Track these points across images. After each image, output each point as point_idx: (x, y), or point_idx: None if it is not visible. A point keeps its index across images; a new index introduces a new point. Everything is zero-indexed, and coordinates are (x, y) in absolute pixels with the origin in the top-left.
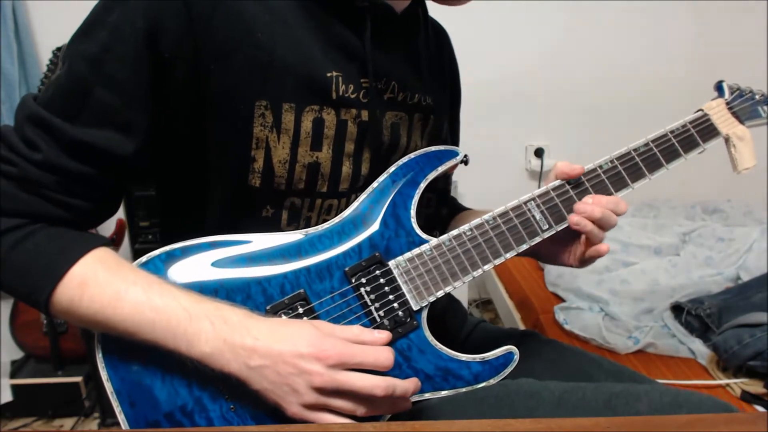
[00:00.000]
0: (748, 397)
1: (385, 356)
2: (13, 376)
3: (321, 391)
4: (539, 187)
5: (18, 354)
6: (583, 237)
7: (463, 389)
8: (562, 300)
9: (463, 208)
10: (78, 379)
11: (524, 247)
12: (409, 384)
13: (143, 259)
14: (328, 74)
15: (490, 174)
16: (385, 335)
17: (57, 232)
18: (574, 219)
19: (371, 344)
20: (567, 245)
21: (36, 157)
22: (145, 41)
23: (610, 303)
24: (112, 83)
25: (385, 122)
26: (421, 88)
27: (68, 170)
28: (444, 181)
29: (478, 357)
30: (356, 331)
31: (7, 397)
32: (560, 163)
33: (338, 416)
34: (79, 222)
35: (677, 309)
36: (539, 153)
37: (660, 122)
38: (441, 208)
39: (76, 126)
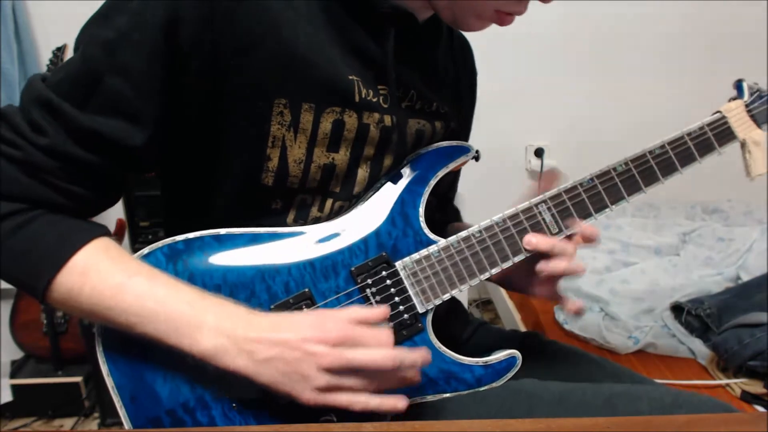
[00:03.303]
0: (748, 397)
1: (386, 336)
2: (13, 376)
3: (330, 371)
4: (539, 187)
5: (18, 354)
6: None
7: (465, 392)
8: None
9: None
10: (78, 379)
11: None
12: (417, 355)
13: (145, 250)
14: (350, 77)
15: (490, 174)
16: (383, 310)
17: (57, 219)
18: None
19: (371, 319)
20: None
21: (42, 141)
22: (163, 32)
23: (610, 303)
24: (126, 72)
25: (409, 129)
26: (439, 97)
27: (74, 157)
28: (447, 186)
29: (481, 361)
30: (354, 308)
31: (7, 397)
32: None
33: (352, 395)
34: (79, 210)
35: (677, 309)
36: (539, 153)
37: (659, 121)
38: (435, 213)
39: (85, 112)
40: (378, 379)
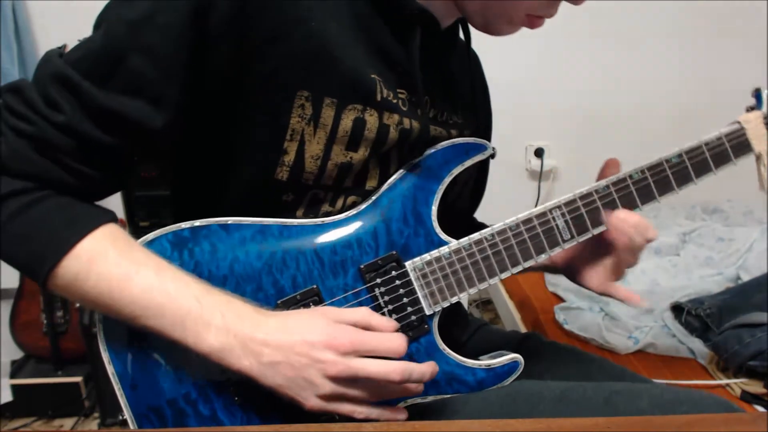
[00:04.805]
0: (748, 397)
1: (398, 343)
2: (13, 376)
3: (337, 380)
4: (539, 187)
5: (18, 354)
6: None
7: (465, 394)
8: (562, 300)
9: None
10: (78, 379)
11: (543, 256)
12: (426, 368)
13: (150, 236)
14: (372, 76)
15: (491, 174)
16: (392, 324)
17: (66, 201)
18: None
19: (381, 330)
20: (592, 264)
21: (57, 118)
22: (192, 15)
23: (610, 303)
24: (150, 52)
25: (431, 134)
26: (453, 107)
27: (90, 137)
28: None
29: (483, 364)
30: (365, 313)
31: (7, 397)
32: (610, 161)
33: (356, 405)
34: (85, 192)
35: (677, 309)
36: (539, 153)
37: (659, 121)
38: (457, 201)
39: (105, 91)
40: (382, 390)
